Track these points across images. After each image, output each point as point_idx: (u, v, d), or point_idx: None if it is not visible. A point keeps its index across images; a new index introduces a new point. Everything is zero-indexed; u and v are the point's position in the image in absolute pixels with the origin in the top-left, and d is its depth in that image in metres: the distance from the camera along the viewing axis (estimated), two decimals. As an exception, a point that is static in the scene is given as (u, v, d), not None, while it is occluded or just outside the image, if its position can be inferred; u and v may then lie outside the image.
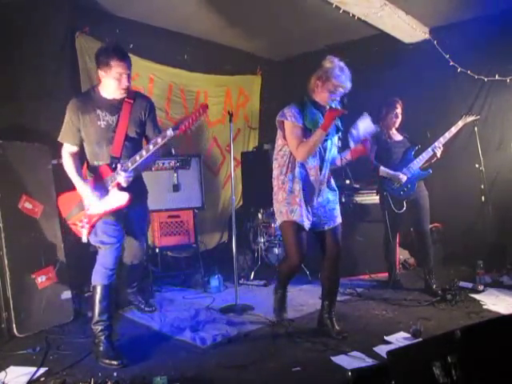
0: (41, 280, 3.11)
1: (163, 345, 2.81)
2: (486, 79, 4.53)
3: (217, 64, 5.44)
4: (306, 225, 2.78)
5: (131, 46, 4.62)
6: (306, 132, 2.73)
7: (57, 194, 3.05)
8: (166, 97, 4.98)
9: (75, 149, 2.77)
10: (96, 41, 4.33)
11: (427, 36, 4.81)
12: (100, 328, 2.60)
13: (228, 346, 2.75)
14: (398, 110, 3.91)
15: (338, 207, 2.94)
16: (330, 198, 2.90)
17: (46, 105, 3.87)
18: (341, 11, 4.10)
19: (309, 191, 2.79)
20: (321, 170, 2.81)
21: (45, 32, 3.87)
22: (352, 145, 2.82)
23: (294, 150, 2.72)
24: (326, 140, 2.81)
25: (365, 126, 2.78)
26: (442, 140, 3.77)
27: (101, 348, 2.56)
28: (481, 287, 3.74)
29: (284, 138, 2.80)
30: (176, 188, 4.15)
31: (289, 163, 2.80)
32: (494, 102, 4.57)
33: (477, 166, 4.23)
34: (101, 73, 2.69)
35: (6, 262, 2.95)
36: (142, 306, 3.48)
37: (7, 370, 2.40)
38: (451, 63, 4.65)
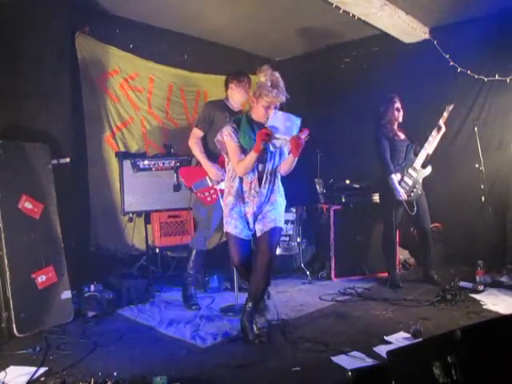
0: (41, 280, 3.11)
1: (163, 345, 2.80)
2: (486, 79, 4.52)
3: (217, 64, 5.43)
4: (242, 235, 2.90)
5: (131, 45, 4.63)
6: (243, 149, 2.83)
7: (182, 168, 3.91)
8: (165, 97, 4.97)
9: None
10: (96, 41, 4.34)
11: (427, 36, 4.81)
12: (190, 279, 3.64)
13: (228, 346, 2.75)
14: (398, 105, 3.98)
15: (274, 214, 2.91)
16: (269, 208, 2.91)
17: (46, 104, 3.87)
18: (341, 11, 4.10)
19: (247, 204, 2.88)
20: (260, 183, 2.87)
21: (45, 32, 3.86)
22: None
23: (235, 165, 2.85)
24: (265, 153, 2.84)
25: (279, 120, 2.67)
26: (435, 134, 3.90)
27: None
28: (481, 287, 3.74)
29: (226, 154, 2.92)
30: (176, 188, 4.14)
31: (230, 177, 2.93)
32: (494, 102, 4.57)
33: (477, 166, 4.23)
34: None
35: (6, 261, 2.95)
36: (245, 287, 3.84)
37: (7, 369, 2.39)
38: (451, 63, 4.64)
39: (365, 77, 5.25)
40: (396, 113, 3.97)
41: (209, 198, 3.58)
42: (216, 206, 3.49)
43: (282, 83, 2.79)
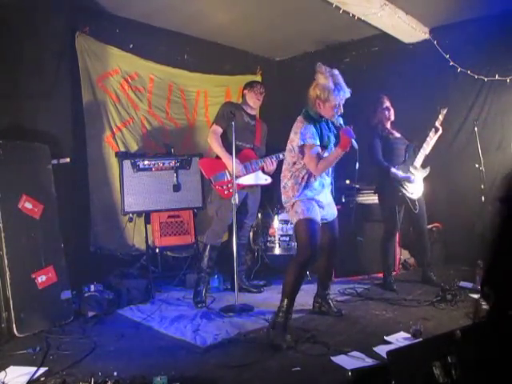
0: (41, 280, 3.11)
1: (163, 345, 2.80)
2: (485, 79, 4.53)
3: (217, 64, 5.44)
4: (318, 218, 2.99)
5: (131, 45, 4.64)
6: (322, 148, 2.90)
7: (202, 159, 4.12)
8: (165, 97, 4.98)
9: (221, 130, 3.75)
10: (96, 41, 4.34)
11: (427, 36, 4.81)
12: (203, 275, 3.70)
13: (228, 346, 2.75)
14: (387, 104, 3.97)
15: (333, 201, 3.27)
16: (329, 194, 3.18)
17: (46, 105, 3.88)
18: (341, 11, 4.10)
19: (318, 192, 3.01)
20: (327, 173, 3.07)
21: (45, 32, 3.87)
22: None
23: (314, 168, 2.85)
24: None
25: None
26: (432, 135, 3.88)
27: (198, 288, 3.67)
28: (481, 287, 3.74)
29: (302, 157, 2.89)
30: (176, 188, 4.15)
31: (305, 175, 2.93)
32: (494, 102, 4.57)
33: (477, 166, 4.22)
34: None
35: (6, 261, 2.95)
36: (245, 287, 3.99)
37: (7, 369, 2.39)
38: (451, 63, 4.65)
39: (365, 77, 5.24)
40: (386, 112, 3.96)
41: (226, 192, 3.66)
42: (231, 201, 3.48)
43: (340, 78, 2.82)
